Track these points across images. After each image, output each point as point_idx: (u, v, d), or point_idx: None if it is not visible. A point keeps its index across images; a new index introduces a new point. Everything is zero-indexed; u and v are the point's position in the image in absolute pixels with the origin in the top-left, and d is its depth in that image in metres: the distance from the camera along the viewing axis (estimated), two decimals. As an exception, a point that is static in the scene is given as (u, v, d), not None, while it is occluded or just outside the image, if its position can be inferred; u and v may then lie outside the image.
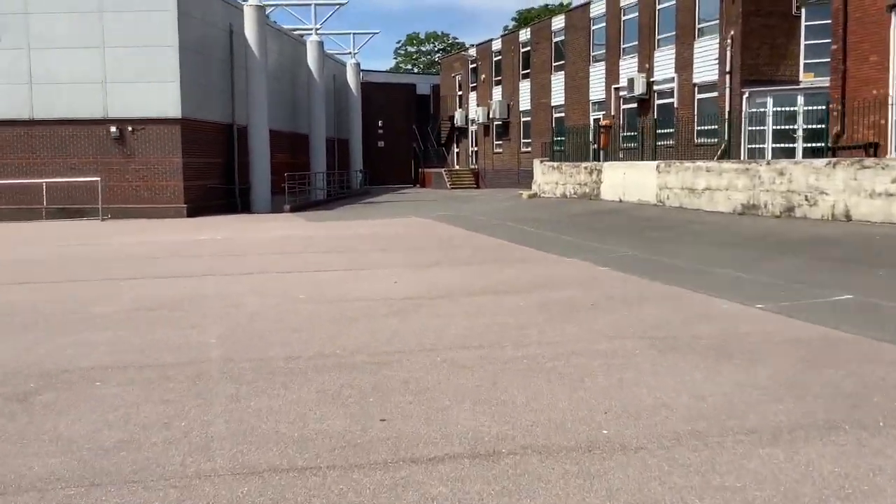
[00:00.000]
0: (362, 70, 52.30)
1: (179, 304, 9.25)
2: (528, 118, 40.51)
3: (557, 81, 37.41)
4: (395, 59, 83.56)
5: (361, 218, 24.69)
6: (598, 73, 33.99)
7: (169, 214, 26.29)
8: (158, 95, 26.03)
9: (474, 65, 46.47)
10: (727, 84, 26.37)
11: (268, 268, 12.90)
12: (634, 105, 31.29)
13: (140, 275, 12.20)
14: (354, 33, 46.27)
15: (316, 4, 37.71)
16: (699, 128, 27.25)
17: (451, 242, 16.59)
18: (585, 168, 22.54)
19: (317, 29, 37.98)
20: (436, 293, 9.69)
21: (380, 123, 54.97)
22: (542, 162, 25.21)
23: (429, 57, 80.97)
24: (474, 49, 46.08)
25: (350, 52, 46.74)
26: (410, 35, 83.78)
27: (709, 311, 8.16)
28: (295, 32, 38.98)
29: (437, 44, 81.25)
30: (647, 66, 30.42)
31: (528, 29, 39.48)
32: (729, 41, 26.18)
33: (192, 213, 26.59)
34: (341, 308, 8.74)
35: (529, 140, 40.52)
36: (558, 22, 37.18)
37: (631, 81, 30.56)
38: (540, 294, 9.41)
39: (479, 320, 7.90)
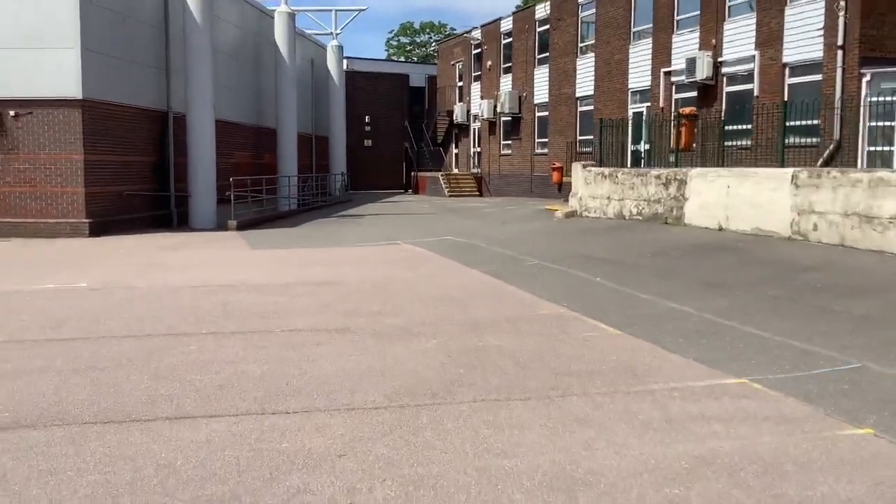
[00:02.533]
0: (347, 57, 45.00)
1: None
2: (545, 112, 33.30)
3: (585, 66, 30.21)
4: (388, 51, 76.27)
5: (330, 243, 17.41)
6: (640, 53, 26.81)
7: (63, 232, 18.95)
8: (52, 67, 18.70)
9: (478, 50, 39.23)
10: (838, 63, 19.22)
11: (66, 407, 5.65)
12: (693, 93, 24.11)
13: None
14: (336, 10, 38.98)
15: (286, -33, 30.35)
16: (791, 123, 20.06)
17: (469, 305, 9.37)
18: (658, 177, 15.31)
19: (287, -2, 30.65)
20: None
21: (367, 119, 47.66)
22: (585, 167, 17.94)
23: (424, 49, 73.68)
24: (479, 31, 38.90)
25: (331, 33, 39.41)
26: (404, 24, 76.50)
27: None
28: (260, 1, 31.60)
29: (433, 34, 73.93)
30: (712, 41, 23.23)
31: (548, 2, 32.36)
32: (842, 4, 19.03)
33: (99, 230, 19.26)
34: None
35: (546, 139, 33.30)
36: (587, -7, 30.02)
37: (690, 63, 23.37)
38: None
39: None
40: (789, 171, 12.39)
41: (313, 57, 38.87)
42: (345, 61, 44.00)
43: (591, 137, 29.31)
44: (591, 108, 29.82)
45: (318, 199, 32.57)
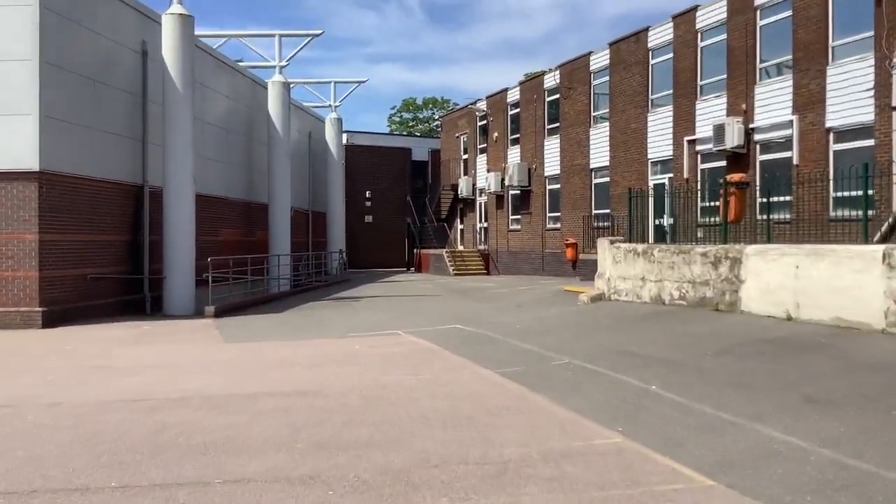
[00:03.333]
0: (347, 131, 43.42)
1: None
2: (557, 185, 31.23)
3: (599, 136, 28.24)
4: (389, 126, 75.13)
5: (317, 333, 14.91)
6: (660, 121, 24.82)
7: (14, 323, 16.49)
8: (4, 136, 16.58)
9: (484, 121, 37.50)
10: (894, 125, 17.08)
11: None
12: (721, 163, 21.98)
13: None
14: (335, 81, 37.35)
15: (281, 35, 28.71)
16: (838, 194, 17.84)
17: (490, 430, 6.86)
18: (705, 255, 12.89)
19: (282, 66, 28.90)
20: None
21: (367, 194, 45.77)
22: (613, 244, 15.57)
23: (427, 125, 72.54)
24: (484, 102, 37.22)
25: (330, 105, 37.75)
26: (406, 100, 75.59)
27: None
28: (253, 71, 29.90)
29: (436, 110, 72.91)
30: (742, 107, 21.21)
31: (557, 71, 30.64)
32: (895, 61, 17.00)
33: (55, 319, 16.79)
34: None
35: (558, 213, 31.13)
36: (600, 59, 28.23)
37: (718, 130, 21.31)
38: None
39: None
40: (879, 248, 9.99)
41: (311, 130, 37.13)
42: (345, 135, 42.39)
43: (609, 211, 27.17)
44: (607, 179, 27.72)
45: (313, 280, 30.21)
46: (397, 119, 74.95)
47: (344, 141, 42.87)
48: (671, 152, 24.19)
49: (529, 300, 18.89)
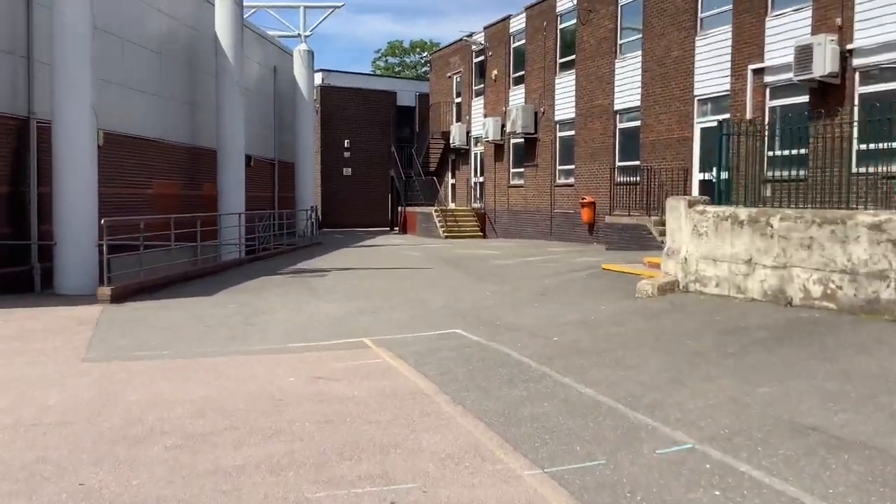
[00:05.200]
0: (323, 70, 37.70)
1: None
2: (570, 132, 25.84)
3: (628, 70, 22.80)
4: (373, 72, 68.92)
5: (243, 341, 9.60)
6: (713, 46, 19.41)
7: None
8: None
9: (481, 57, 31.85)
10: None
11: None
12: (801, 98, 16.69)
13: None
14: (305, 6, 31.45)
15: (232, -63, 22.87)
16: None
17: None
18: (879, 228, 7.68)
19: (234, -20, 23.11)
20: None
21: (346, 143, 40.22)
22: (694, 206, 10.24)
23: (414, 70, 66.52)
24: (482, 35, 31.56)
25: (299, 35, 31.97)
26: (392, 43, 69.36)
27: None
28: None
29: (425, 55, 66.83)
30: (836, 21, 15.84)
31: (574, -9, 25.14)
32: None
33: None
34: None
35: (571, 166, 25.81)
36: (629, -27, 22.71)
37: (802, 53, 15.96)
38: None
39: None
40: None
41: (276, 64, 31.40)
42: (319, 74, 36.70)
43: (639, 163, 21.86)
44: (637, 123, 22.35)
45: (276, 244, 24.83)
46: (381, 64, 68.83)
47: (318, 81, 37.21)
48: (728, 86, 18.81)
49: (556, 283, 13.61)
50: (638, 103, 22.23)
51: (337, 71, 40.12)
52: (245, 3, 25.01)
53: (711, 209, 9.91)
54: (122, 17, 19.05)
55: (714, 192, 11.57)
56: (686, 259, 10.22)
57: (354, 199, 40.33)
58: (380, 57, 69.48)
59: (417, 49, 67.39)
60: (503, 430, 5.60)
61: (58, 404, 6.56)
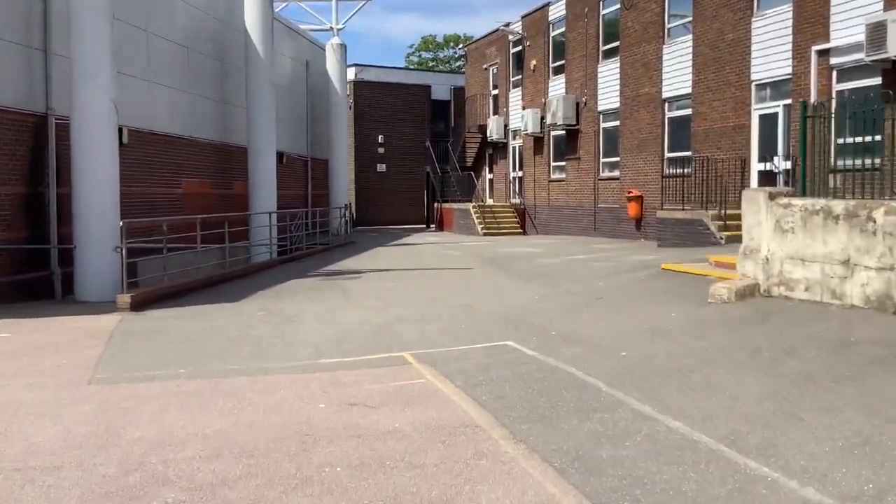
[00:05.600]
0: (356, 64, 36.81)
1: None
2: (615, 122, 24.58)
3: (677, 55, 21.47)
4: (406, 68, 67.95)
5: (267, 356, 8.62)
6: (772, 27, 18.04)
7: None
8: None
9: (519, 47, 30.68)
10: None
11: None
12: (872, 80, 15.29)
13: None
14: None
15: (260, -74, 21.96)
16: None
17: None
18: None
19: (263, -30, 22.22)
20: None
21: (379, 139, 39.28)
22: (775, 199, 9.03)
23: (448, 65, 65.40)
24: (518, 24, 30.37)
25: (331, 28, 31.07)
26: (426, 38, 68.34)
27: None
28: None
29: (459, 48, 65.66)
30: (915, -7, 14.43)
31: (618, -26, 23.86)
32: None
33: None
34: None
35: (616, 159, 24.56)
36: (677, -48, 21.37)
37: (875, 31, 14.59)
38: None
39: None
40: None
41: (308, 59, 30.52)
42: (352, 69, 35.79)
43: (690, 153, 20.56)
44: (688, 112, 21.05)
45: (309, 244, 23.94)
46: (415, 59, 67.82)
47: (351, 76, 36.30)
48: (789, 69, 17.44)
49: (612, 285, 12.44)
50: (689, 90, 20.91)
51: (370, 65, 39.17)
52: (274, -5, 24.17)
53: (798, 202, 8.68)
54: (148, 9, 18.25)
55: (796, 183, 10.31)
56: (768, 259, 8.99)
57: (389, 196, 39.41)
58: (413, 52, 68.56)
59: (451, 43, 66.21)
60: (580, 481, 4.51)
61: (49, 441, 5.60)
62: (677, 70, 21.43)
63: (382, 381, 7.13)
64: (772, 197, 9.05)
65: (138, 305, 12.14)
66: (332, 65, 31.18)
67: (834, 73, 16.46)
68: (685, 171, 20.39)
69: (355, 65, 37.62)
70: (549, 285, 13.21)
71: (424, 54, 67.72)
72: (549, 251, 20.47)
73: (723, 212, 17.39)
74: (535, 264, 17.07)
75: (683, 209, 18.59)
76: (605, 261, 16.40)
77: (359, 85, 38.40)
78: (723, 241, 16.52)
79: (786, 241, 8.72)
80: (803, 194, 9.49)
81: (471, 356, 8.00)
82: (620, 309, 10.16)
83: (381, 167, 39.45)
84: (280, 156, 25.41)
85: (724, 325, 8.28)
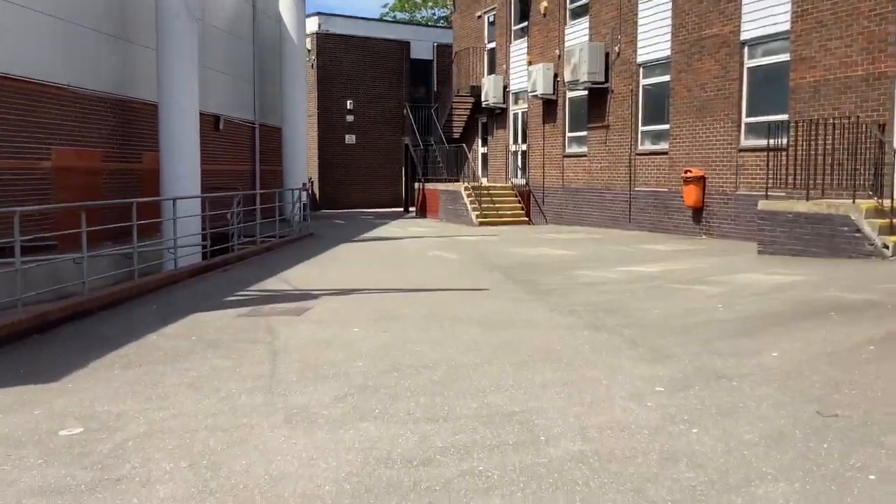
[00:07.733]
0: (319, 13, 30.30)
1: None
2: (663, 77, 18.43)
3: (765, -22, 15.30)
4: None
5: None
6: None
7: None
8: None
9: (525, -14, 24.35)
10: None
11: None
12: None
13: None
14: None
15: None
16: None
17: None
18: None
19: None
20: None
21: (348, 105, 32.87)
22: None
23: (428, 26, 58.53)
24: (525, -43, 24.05)
25: (285, -41, 24.45)
26: (401, -5, 61.31)
27: None
28: None
29: (440, 9, 59.02)
30: None
31: None
32: None
33: None
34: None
35: (664, 127, 18.43)
36: None
37: None
38: None
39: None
40: None
41: (256, 2, 23.94)
42: (315, 19, 29.30)
43: (786, 117, 14.45)
44: (784, 58, 14.91)
45: (250, 239, 17.50)
46: (389, 20, 60.85)
47: (314, 28, 29.75)
48: (976, -15, 11.35)
49: (807, 358, 6.34)
50: (786, 27, 14.78)
51: (337, 15, 32.62)
52: None
53: None
54: None
55: None
56: None
57: (359, 174, 33.11)
58: (387, 13, 61.57)
59: (430, 2, 59.43)
60: None
61: None
62: (765, 2, 15.27)
63: None
64: None
65: None
66: (287, 7, 24.58)
67: None
68: (778, 141, 14.22)
69: (318, 13, 31.06)
70: (649, 346, 6.99)
71: (399, 15, 60.83)
72: (582, 255, 14.36)
73: (882, 201, 11.33)
74: (583, 283, 10.91)
75: (809, 198, 12.47)
76: (702, 282, 10.24)
77: (323, 38, 31.82)
78: (889, 252, 10.47)
79: None
80: None
81: None
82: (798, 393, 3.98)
83: (350, 138, 33.06)
84: (215, 120, 18.97)
85: None
